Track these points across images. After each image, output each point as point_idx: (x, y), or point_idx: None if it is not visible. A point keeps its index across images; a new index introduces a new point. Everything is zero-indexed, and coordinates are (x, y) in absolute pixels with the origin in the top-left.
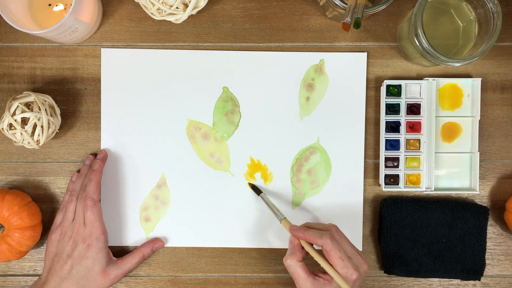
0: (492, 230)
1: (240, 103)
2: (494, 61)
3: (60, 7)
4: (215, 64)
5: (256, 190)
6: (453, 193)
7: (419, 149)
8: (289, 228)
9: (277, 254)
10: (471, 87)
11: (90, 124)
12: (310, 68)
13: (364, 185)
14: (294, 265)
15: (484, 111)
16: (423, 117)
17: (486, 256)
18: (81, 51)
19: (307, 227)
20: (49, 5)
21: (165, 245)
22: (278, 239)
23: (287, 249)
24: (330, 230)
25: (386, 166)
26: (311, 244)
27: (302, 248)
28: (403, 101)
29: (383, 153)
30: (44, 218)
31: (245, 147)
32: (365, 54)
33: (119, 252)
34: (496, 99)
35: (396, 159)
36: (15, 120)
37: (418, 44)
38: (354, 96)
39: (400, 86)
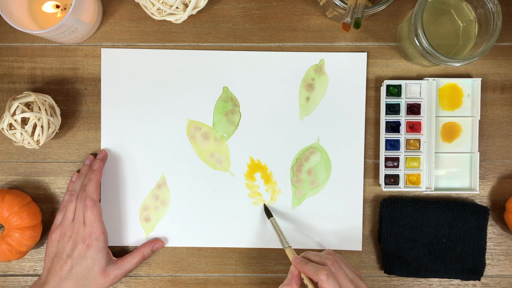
0: (492, 230)
1: (240, 103)
2: (494, 61)
3: (48, 6)
4: (215, 64)
5: (268, 212)
6: (453, 193)
7: (419, 149)
8: (292, 259)
9: (277, 254)
10: (471, 87)
11: (90, 124)
12: (310, 68)
13: (364, 185)
14: None
15: (484, 111)
16: (423, 117)
17: (486, 256)
18: (81, 51)
19: (306, 258)
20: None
21: (165, 245)
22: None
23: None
24: (326, 264)
25: (386, 166)
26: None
27: (302, 279)
28: (403, 101)
29: (383, 153)
30: (44, 218)
31: (245, 147)
32: (365, 54)
33: (119, 252)
34: (496, 99)
35: (396, 159)
36: (15, 120)
37: (418, 44)
38: (354, 96)
39: (400, 86)
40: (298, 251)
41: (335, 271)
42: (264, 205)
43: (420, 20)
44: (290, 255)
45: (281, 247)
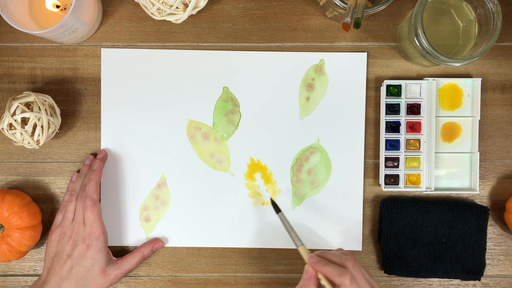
0: (492, 230)
1: (240, 103)
2: (494, 61)
3: (49, 5)
4: (215, 64)
5: (276, 207)
6: (453, 193)
7: (419, 149)
8: (308, 259)
9: (277, 254)
10: (471, 87)
11: (90, 124)
12: (310, 68)
13: (364, 185)
14: None
15: (484, 111)
16: (423, 117)
17: (486, 256)
18: (81, 51)
19: (324, 257)
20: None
21: (165, 245)
22: (278, 239)
23: (286, 249)
24: (347, 266)
25: (386, 166)
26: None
27: (318, 279)
28: (403, 101)
29: (383, 153)
30: (44, 218)
31: (245, 147)
32: (365, 54)
33: (119, 252)
34: (496, 99)
35: (396, 159)
36: (15, 120)
37: (418, 44)
38: (354, 96)
39: (400, 86)
40: (298, 251)
41: (356, 274)
42: (271, 199)
43: (420, 20)
44: (305, 254)
45: (281, 247)
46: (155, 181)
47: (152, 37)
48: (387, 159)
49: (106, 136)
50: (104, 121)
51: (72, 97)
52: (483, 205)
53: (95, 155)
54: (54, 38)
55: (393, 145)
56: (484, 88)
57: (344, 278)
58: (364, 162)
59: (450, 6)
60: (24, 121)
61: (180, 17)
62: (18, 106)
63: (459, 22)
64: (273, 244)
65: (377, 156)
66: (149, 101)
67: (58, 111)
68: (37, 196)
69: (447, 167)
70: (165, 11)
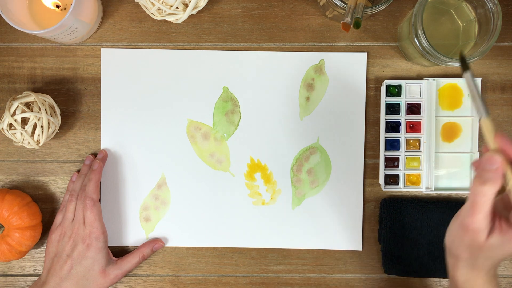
0: None
1: (240, 103)
2: (494, 61)
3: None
4: (215, 64)
5: (464, 64)
6: (453, 193)
7: (419, 149)
8: (502, 142)
9: (277, 254)
10: None
11: (90, 124)
12: (310, 68)
13: (364, 185)
14: (489, 196)
15: None
16: (423, 117)
17: None
18: (81, 51)
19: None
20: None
21: (165, 245)
22: (278, 239)
23: (286, 249)
24: None
25: (386, 166)
26: None
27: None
28: (403, 101)
29: (383, 153)
30: (44, 218)
31: (245, 147)
32: (365, 54)
33: (119, 252)
34: (496, 99)
35: (396, 159)
36: (15, 120)
37: (418, 44)
38: (354, 96)
39: (400, 86)
40: (298, 251)
41: None
42: (462, 53)
43: (420, 20)
44: (491, 131)
45: (281, 247)
46: (155, 181)
47: (152, 37)
48: (387, 159)
49: (106, 136)
50: (104, 121)
51: (72, 97)
52: None
53: (95, 155)
54: (54, 38)
55: (393, 145)
56: (484, 88)
57: None
58: (364, 162)
59: (450, 6)
60: (24, 121)
61: (180, 17)
62: (18, 106)
63: (459, 22)
64: (273, 244)
65: (377, 156)
66: (149, 101)
67: (58, 111)
68: (37, 196)
69: (447, 167)
70: (165, 11)
